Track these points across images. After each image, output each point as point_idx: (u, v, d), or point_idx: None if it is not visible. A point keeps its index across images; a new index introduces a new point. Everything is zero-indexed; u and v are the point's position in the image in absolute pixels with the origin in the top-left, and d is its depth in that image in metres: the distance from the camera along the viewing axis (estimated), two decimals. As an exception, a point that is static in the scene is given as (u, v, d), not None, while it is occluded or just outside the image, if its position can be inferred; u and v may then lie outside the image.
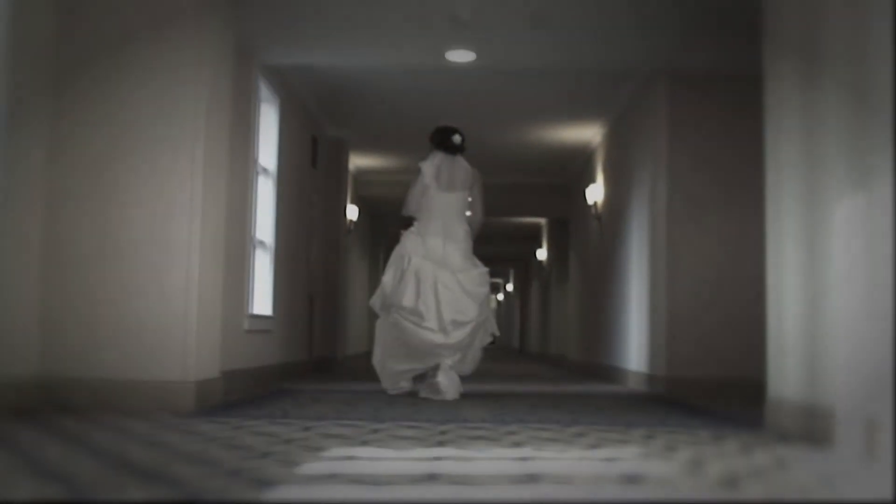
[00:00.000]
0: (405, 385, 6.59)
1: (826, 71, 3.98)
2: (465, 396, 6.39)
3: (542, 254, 19.25)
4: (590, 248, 11.57)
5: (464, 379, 6.52)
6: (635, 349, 8.41)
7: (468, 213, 6.73)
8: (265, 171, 8.01)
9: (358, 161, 12.95)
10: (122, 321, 5.05)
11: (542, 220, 18.44)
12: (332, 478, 2.73)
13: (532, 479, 2.77)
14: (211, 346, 5.37)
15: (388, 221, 18.26)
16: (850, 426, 3.59)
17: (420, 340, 6.32)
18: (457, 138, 6.73)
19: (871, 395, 3.45)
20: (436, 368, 6.36)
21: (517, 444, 3.66)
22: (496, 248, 22.40)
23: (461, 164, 6.72)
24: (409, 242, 6.53)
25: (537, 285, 21.46)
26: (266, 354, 7.78)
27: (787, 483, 2.81)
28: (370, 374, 9.76)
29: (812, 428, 3.97)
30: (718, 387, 7.03)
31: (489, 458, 3.23)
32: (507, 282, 33.86)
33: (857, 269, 3.59)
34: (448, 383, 6.26)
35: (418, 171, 6.67)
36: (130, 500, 2.37)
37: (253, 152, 7.42)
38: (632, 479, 2.79)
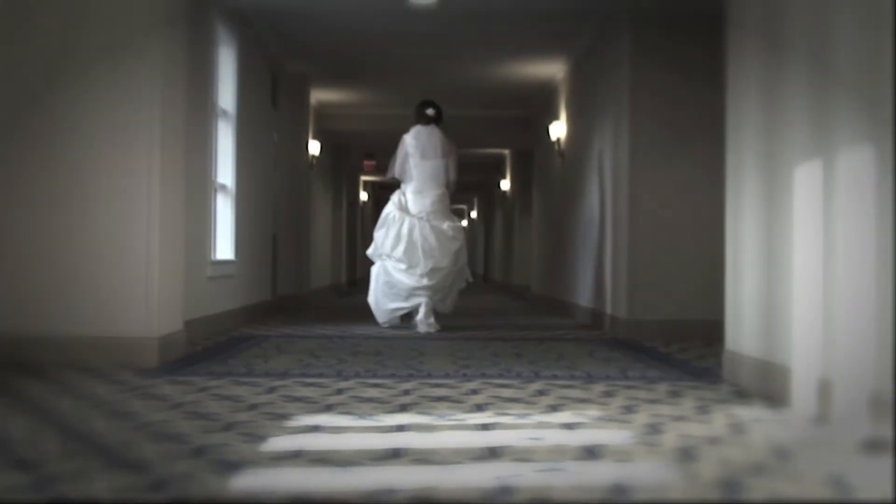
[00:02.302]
0: (395, 321, 7.84)
1: (789, 35, 3.98)
2: (436, 337, 6.47)
3: (505, 184, 19.25)
4: (553, 183, 11.59)
5: (439, 317, 7.74)
6: (596, 289, 8.49)
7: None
8: (224, 113, 7.91)
9: (320, 95, 12.81)
10: (83, 276, 5.02)
11: (506, 151, 18.40)
12: (296, 456, 2.77)
13: (493, 454, 2.82)
14: (173, 300, 5.36)
15: (351, 153, 18.14)
16: (805, 386, 3.68)
17: (405, 284, 7.61)
18: (430, 111, 7.89)
19: (825, 356, 3.53)
20: (419, 307, 7.58)
21: (479, 407, 3.71)
22: (460, 176, 22.34)
23: (436, 135, 7.86)
24: (393, 203, 7.79)
25: (501, 215, 21.51)
26: (229, 299, 7.78)
27: (742, 456, 2.88)
28: (334, 313, 9.85)
29: (768, 384, 4.05)
30: (677, 328, 7.13)
31: (451, 427, 3.27)
32: (471, 209, 33.89)
33: (815, 233, 3.64)
34: (426, 320, 7.50)
35: (401, 142, 7.86)
36: (95, 495, 2.39)
37: (212, 96, 7.32)
38: (590, 452, 2.85)
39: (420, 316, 7.54)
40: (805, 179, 3.73)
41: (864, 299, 3.20)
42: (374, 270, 7.86)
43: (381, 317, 7.88)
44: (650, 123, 7.38)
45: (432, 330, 7.45)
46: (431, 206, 7.71)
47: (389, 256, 7.66)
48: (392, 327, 7.78)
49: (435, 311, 7.66)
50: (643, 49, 7.42)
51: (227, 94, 7.98)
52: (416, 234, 7.60)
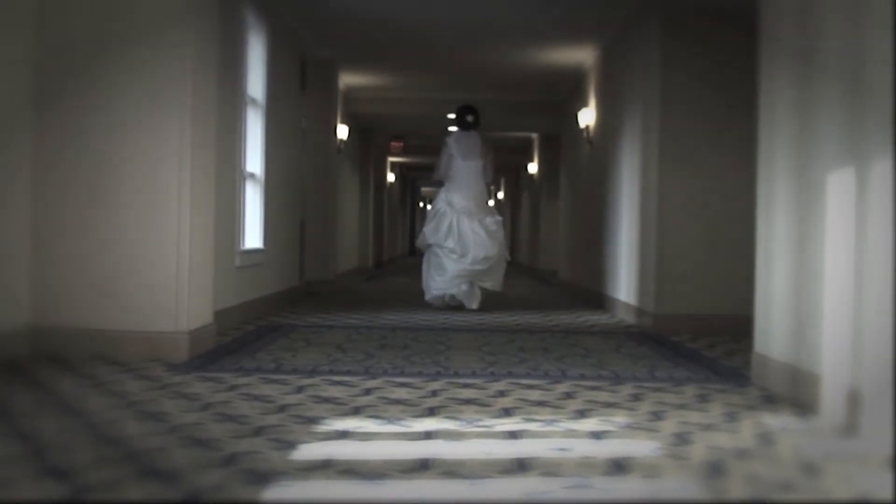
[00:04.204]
0: (440, 301, 8.83)
1: (822, 46, 3.94)
2: (463, 328, 6.49)
3: (532, 168, 19.20)
4: (581, 170, 11.55)
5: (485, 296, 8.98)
6: (624, 280, 8.47)
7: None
8: (253, 101, 7.93)
9: (348, 79, 12.81)
10: (114, 271, 5.06)
11: (534, 135, 18.35)
12: (325, 466, 2.79)
13: (521, 466, 2.83)
14: (203, 293, 5.40)
15: (378, 135, 18.15)
16: (834, 395, 3.66)
17: (453, 269, 8.69)
18: (469, 118, 9.13)
19: (854, 365, 3.51)
20: (462, 292, 8.74)
21: (507, 412, 3.72)
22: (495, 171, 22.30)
23: (475, 138, 9.07)
24: (442, 201, 8.92)
25: (528, 197, 21.46)
26: (257, 288, 7.82)
27: (770, 472, 2.88)
28: (361, 299, 9.89)
29: (797, 390, 4.04)
30: (706, 322, 7.09)
31: (479, 435, 3.29)
32: (497, 190, 33.82)
33: (846, 241, 3.61)
34: (472, 296, 8.71)
35: (444, 145, 9.02)
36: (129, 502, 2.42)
37: (242, 86, 7.33)
38: (618, 466, 2.85)
39: (464, 296, 8.69)
40: (837, 187, 3.70)
41: (897, 311, 3.17)
42: (426, 259, 9.01)
43: (430, 296, 8.90)
44: (681, 114, 7.32)
45: (475, 305, 8.66)
46: (474, 200, 8.85)
47: (442, 247, 8.75)
48: (435, 308, 8.80)
49: (482, 291, 8.86)
50: (674, 37, 7.34)
51: (256, 81, 8.00)
52: (466, 227, 8.70)
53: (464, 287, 8.70)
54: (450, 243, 8.70)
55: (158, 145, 5.09)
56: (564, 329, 7.23)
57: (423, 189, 38.69)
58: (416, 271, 10.66)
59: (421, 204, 41.61)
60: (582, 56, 10.83)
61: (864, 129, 3.49)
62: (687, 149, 7.30)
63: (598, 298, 9.77)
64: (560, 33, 9.85)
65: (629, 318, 8.07)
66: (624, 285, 8.49)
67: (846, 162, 3.63)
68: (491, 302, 9.57)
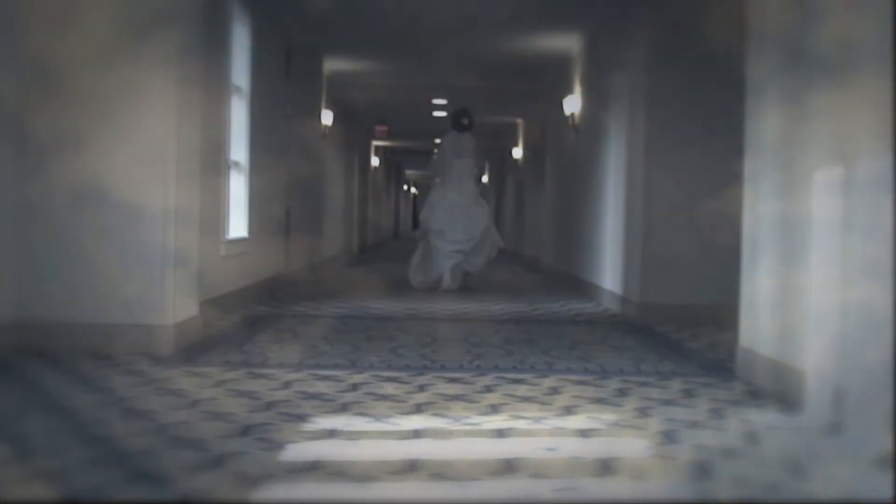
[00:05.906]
0: (428, 284, 9.80)
1: (809, 44, 3.94)
2: (449, 318, 6.51)
3: (517, 153, 19.19)
4: (566, 157, 11.55)
5: (462, 290, 9.77)
6: (609, 269, 8.49)
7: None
8: (238, 89, 7.89)
9: (332, 65, 12.74)
10: (99, 264, 5.03)
11: (519, 120, 18.33)
12: (314, 468, 2.79)
13: (509, 467, 2.84)
14: (189, 285, 5.38)
15: (363, 120, 18.09)
16: (819, 392, 3.68)
17: (442, 249, 9.77)
18: (464, 121, 10.35)
19: (840, 363, 3.54)
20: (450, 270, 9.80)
21: (494, 409, 3.73)
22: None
23: (468, 138, 10.30)
24: (436, 193, 10.16)
25: (512, 181, 21.46)
26: (243, 277, 7.80)
27: (757, 471, 2.90)
28: (347, 285, 9.89)
29: (782, 386, 4.07)
30: (690, 312, 7.11)
31: (467, 433, 3.30)
32: (482, 173, 33.82)
33: (833, 238, 3.63)
34: (456, 277, 9.79)
35: (440, 145, 10.37)
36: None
37: (226, 74, 7.29)
38: (606, 466, 2.87)
39: (447, 275, 9.69)
40: (824, 181, 3.72)
41: (883, 307, 3.19)
42: (419, 248, 10.06)
43: (417, 282, 9.87)
44: (668, 103, 7.29)
45: (455, 287, 9.66)
46: (468, 193, 10.02)
47: (431, 230, 9.84)
48: (419, 291, 9.54)
49: (465, 274, 9.87)
50: (662, 29, 7.32)
51: (240, 69, 7.95)
52: (455, 213, 9.83)
53: (449, 267, 9.71)
54: (435, 224, 9.83)
55: (143, 138, 5.05)
56: (550, 319, 7.25)
57: (408, 172, 38.63)
58: (400, 256, 10.78)
59: (405, 187, 41.56)
60: (568, 43, 10.81)
61: (853, 125, 3.50)
62: (674, 138, 7.29)
63: (582, 286, 9.79)
64: (546, 20, 9.81)
65: (614, 307, 8.09)
66: (609, 274, 8.52)
67: (833, 156, 3.64)
68: (477, 290, 9.59)
